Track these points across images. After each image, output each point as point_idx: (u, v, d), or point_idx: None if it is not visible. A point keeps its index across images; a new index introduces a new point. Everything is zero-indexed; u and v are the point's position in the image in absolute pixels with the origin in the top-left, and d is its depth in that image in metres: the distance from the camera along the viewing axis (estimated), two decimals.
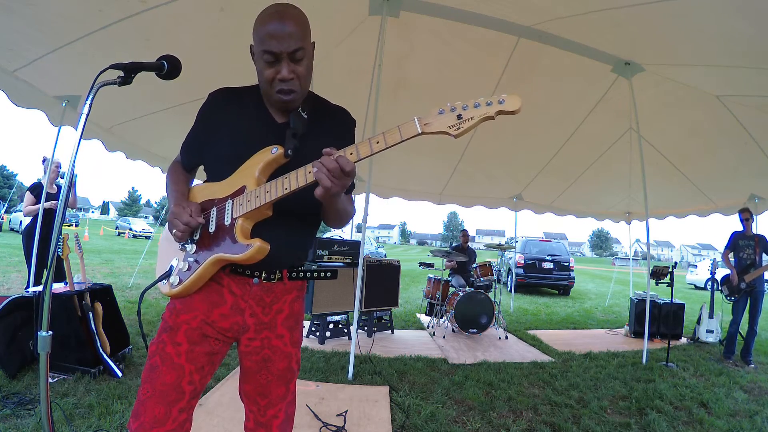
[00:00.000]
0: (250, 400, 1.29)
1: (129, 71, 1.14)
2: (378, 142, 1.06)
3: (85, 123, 1.10)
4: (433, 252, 6.25)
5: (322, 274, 1.40)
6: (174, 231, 1.17)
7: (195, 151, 1.33)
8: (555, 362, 4.39)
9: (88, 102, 1.10)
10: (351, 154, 1.07)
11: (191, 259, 1.19)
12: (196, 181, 1.42)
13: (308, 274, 1.31)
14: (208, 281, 1.20)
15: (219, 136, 1.25)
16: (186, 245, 1.21)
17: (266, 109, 1.27)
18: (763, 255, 4.98)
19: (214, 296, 1.20)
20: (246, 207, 1.14)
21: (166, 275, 1.22)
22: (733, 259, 5.11)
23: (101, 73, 1.10)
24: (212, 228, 1.19)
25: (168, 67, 1.22)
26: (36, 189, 4.60)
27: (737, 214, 5.22)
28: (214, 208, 1.21)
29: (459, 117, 1.05)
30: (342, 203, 1.19)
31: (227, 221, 1.17)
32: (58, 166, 4.63)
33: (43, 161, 4.57)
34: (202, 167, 1.38)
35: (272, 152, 1.17)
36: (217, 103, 1.28)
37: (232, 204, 1.17)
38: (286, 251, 1.23)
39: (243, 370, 1.29)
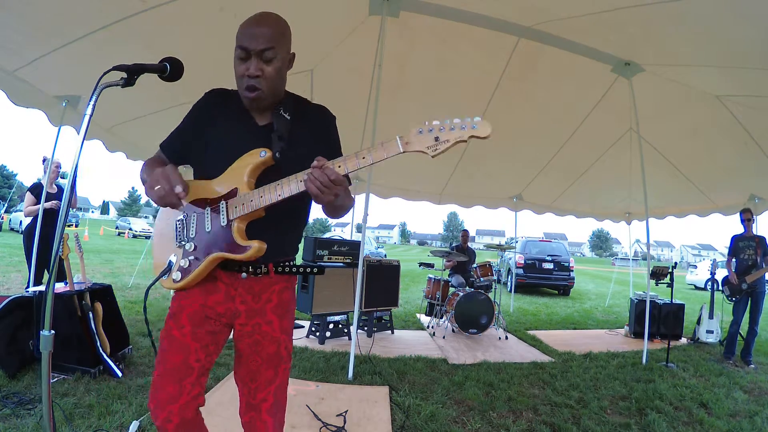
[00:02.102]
0: (242, 384, 1.36)
1: (132, 73, 1.15)
2: (364, 158, 1.15)
3: (88, 125, 1.10)
4: (433, 252, 6.25)
5: (308, 270, 1.44)
6: (156, 195, 1.17)
7: (180, 147, 1.36)
8: (555, 362, 4.39)
9: (92, 103, 1.10)
10: (339, 166, 1.15)
11: (192, 257, 1.26)
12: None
13: (293, 269, 1.37)
14: None
15: (205, 136, 1.31)
16: (185, 243, 1.28)
17: (248, 112, 1.32)
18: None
19: (209, 285, 1.29)
20: (241, 210, 1.22)
21: (167, 271, 1.28)
22: (734, 261, 5.10)
23: (104, 74, 1.11)
24: (209, 227, 1.26)
25: (171, 69, 1.23)
26: (36, 189, 4.60)
27: (738, 215, 5.22)
28: (208, 208, 1.27)
29: (437, 139, 1.13)
30: (338, 200, 1.22)
31: (223, 222, 1.24)
32: (58, 166, 4.62)
33: (43, 161, 4.57)
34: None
35: (260, 155, 1.24)
36: (207, 103, 1.34)
37: (227, 206, 1.24)
38: (273, 247, 1.28)
39: (237, 354, 1.36)
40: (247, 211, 1.21)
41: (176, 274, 1.26)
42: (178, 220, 1.31)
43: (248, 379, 1.34)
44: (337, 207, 1.29)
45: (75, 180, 1.13)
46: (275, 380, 1.35)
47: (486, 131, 1.11)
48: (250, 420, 1.36)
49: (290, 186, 1.19)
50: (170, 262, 1.29)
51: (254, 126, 1.31)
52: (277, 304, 1.34)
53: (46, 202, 4.32)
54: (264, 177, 1.25)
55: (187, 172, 1.44)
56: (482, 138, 1.12)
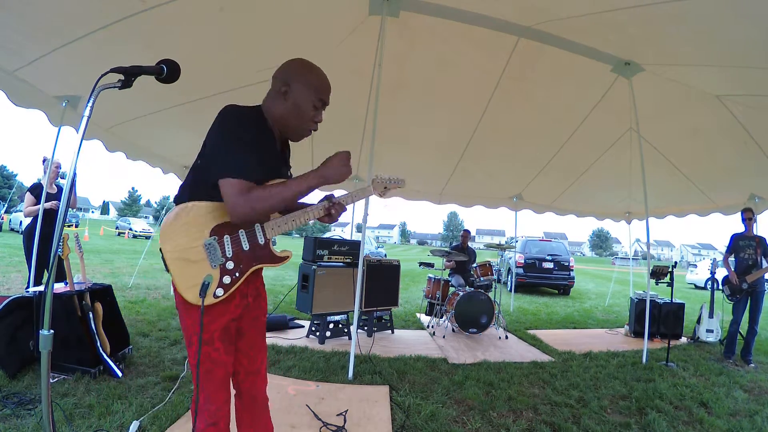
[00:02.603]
0: (243, 354, 1.60)
1: (129, 75, 1.15)
2: (355, 196, 1.66)
3: (86, 126, 1.10)
4: (433, 252, 6.25)
5: None
6: (345, 169, 1.54)
7: (261, 162, 1.45)
8: (555, 362, 4.39)
9: (89, 105, 1.10)
10: (344, 201, 1.60)
11: (235, 273, 1.45)
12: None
13: None
14: None
15: (257, 158, 1.43)
16: (225, 262, 1.43)
17: (272, 135, 1.54)
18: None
19: (233, 293, 1.49)
20: (276, 231, 1.52)
21: (205, 290, 1.39)
22: (733, 260, 5.10)
23: (102, 76, 1.11)
24: (246, 246, 1.47)
25: (167, 71, 1.24)
26: (36, 189, 4.60)
27: (740, 214, 5.22)
28: (242, 230, 1.47)
29: (386, 188, 1.77)
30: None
31: (261, 241, 1.50)
32: (58, 167, 4.62)
33: (43, 161, 4.57)
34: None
35: None
36: (258, 125, 1.47)
37: (263, 228, 1.50)
38: None
39: (239, 331, 1.58)
40: (281, 233, 1.53)
41: (219, 291, 1.43)
42: (208, 245, 1.41)
43: (248, 348, 1.61)
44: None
45: (74, 181, 1.14)
46: (265, 345, 1.70)
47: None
48: (251, 384, 1.63)
49: (314, 214, 1.56)
50: (205, 282, 1.40)
51: (277, 151, 1.57)
52: (264, 285, 1.72)
53: (46, 202, 4.32)
54: None
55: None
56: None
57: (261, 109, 1.52)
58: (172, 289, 1.50)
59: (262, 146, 1.45)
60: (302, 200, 1.64)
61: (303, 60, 1.55)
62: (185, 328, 1.46)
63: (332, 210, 1.56)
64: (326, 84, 1.54)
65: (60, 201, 4.43)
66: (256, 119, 1.48)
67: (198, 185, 1.43)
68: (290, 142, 1.68)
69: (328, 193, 1.78)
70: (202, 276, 1.39)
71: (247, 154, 1.37)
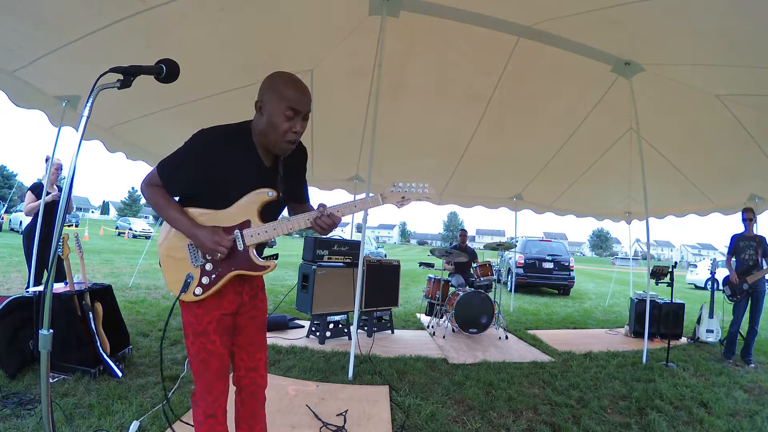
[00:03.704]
0: (242, 350, 1.66)
1: (128, 75, 1.15)
2: (355, 206, 1.56)
3: (85, 126, 1.10)
4: (432, 252, 6.25)
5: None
6: (219, 255, 1.48)
7: (188, 184, 1.52)
8: (555, 362, 4.39)
9: (88, 105, 1.10)
10: (338, 211, 1.52)
11: (213, 275, 1.51)
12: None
13: (272, 257, 1.73)
14: None
15: (217, 174, 1.48)
16: (204, 263, 1.52)
17: (257, 152, 1.55)
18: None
19: (221, 290, 1.54)
20: (256, 239, 1.52)
21: (185, 288, 1.50)
22: (734, 261, 5.10)
23: (101, 76, 1.11)
24: None
25: (166, 71, 1.24)
26: (37, 189, 4.59)
27: (740, 213, 5.21)
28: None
29: (403, 198, 1.56)
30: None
31: (240, 247, 1.52)
32: (59, 168, 4.61)
33: (46, 160, 4.56)
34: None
35: (268, 195, 1.53)
36: (206, 147, 1.47)
37: (242, 234, 1.52)
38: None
39: (236, 328, 1.64)
40: (262, 240, 1.53)
41: (198, 290, 1.50)
42: (191, 245, 1.53)
43: (247, 344, 1.67)
44: None
45: (72, 183, 1.14)
46: (265, 342, 1.75)
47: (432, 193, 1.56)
48: (251, 380, 1.68)
49: (299, 223, 1.52)
50: (187, 279, 1.50)
51: (262, 167, 1.56)
52: (263, 286, 1.75)
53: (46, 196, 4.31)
54: (265, 210, 1.54)
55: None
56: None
57: (249, 125, 1.54)
58: None
59: (230, 163, 1.48)
60: (296, 209, 1.72)
61: (278, 72, 1.50)
62: (183, 322, 1.57)
63: (318, 221, 1.50)
64: (297, 93, 1.45)
65: (60, 196, 4.44)
66: (230, 138, 1.49)
67: (184, 195, 1.57)
68: (293, 155, 1.62)
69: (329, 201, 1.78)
70: (184, 273, 1.51)
71: (179, 166, 1.48)
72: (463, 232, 7.30)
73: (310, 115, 1.53)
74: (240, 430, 1.71)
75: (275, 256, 1.71)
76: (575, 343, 5.30)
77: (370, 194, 1.55)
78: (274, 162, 1.60)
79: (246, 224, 1.52)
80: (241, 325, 1.65)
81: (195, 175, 1.48)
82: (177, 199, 1.56)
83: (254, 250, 1.54)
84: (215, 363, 1.53)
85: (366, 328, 5.08)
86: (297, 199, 1.74)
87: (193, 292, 1.50)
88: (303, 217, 1.52)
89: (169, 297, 6.57)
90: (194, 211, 1.52)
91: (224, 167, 1.48)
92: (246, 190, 1.51)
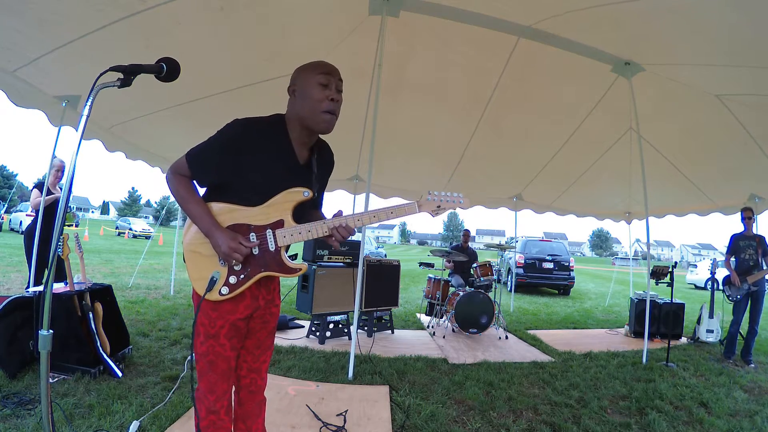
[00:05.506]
0: (248, 352, 1.64)
1: (128, 74, 1.15)
2: (392, 212, 1.49)
3: (85, 125, 1.10)
4: (433, 252, 6.25)
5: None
6: (233, 262, 1.43)
7: (217, 175, 1.46)
8: (555, 362, 4.39)
9: (88, 104, 1.10)
10: (358, 220, 1.48)
11: (242, 275, 1.45)
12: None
13: None
14: None
15: (249, 167, 1.44)
16: (234, 264, 1.45)
17: (291, 147, 1.50)
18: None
19: (238, 295, 1.48)
20: (289, 240, 1.46)
21: (211, 286, 1.43)
22: (734, 260, 5.09)
23: (101, 75, 1.11)
24: (256, 251, 1.46)
25: (167, 70, 1.24)
26: (41, 185, 4.59)
27: (740, 213, 5.21)
28: (253, 234, 1.46)
29: (438, 206, 1.52)
30: None
31: (272, 247, 1.47)
32: (60, 169, 4.60)
33: (52, 159, 4.55)
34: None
35: (304, 194, 1.47)
36: (238, 136, 1.42)
37: (274, 234, 1.46)
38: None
39: (248, 331, 1.61)
40: (295, 242, 1.47)
41: (224, 289, 1.44)
42: None
43: (254, 347, 1.65)
44: None
45: (72, 183, 1.14)
46: (272, 346, 1.74)
47: (467, 204, 1.52)
48: (251, 381, 1.67)
49: (324, 229, 1.46)
50: (213, 278, 1.43)
51: (296, 164, 1.52)
52: (279, 290, 1.70)
53: (47, 201, 4.31)
54: (297, 209, 1.49)
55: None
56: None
57: (282, 118, 1.51)
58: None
59: (263, 156, 1.44)
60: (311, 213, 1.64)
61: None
62: (195, 320, 1.52)
63: (335, 232, 1.46)
64: (328, 65, 1.49)
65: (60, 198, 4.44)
66: (265, 131, 1.46)
67: (214, 188, 1.51)
68: (324, 157, 1.63)
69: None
70: (210, 270, 1.44)
71: (210, 155, 1.43)
72: (467, 232, 7.30)
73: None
74: (237, 430, 1.70)
75: (294, 257, 1.68)
76: (575, 343, 5.30)
77: (407, 202, 1.52)
78: (308, 159, 1.55)
79: (279, 224, 1.46)
80: (253, 328, 1.63)
81: (225, 166, 1.42)
82: (205, 189, 1.52)
83: (285, 252, 1.49)
84: (222, 365, 1.52)
85: (366, 328, 5.08)
86: (312, 204, 1.64)
87: (219, 292, 1.44)
88: (324, 224, 1.47)
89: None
90: (222, 207, 1.46)
91: (256, 160, 1.43)
92: (278, 186, 1.46)
